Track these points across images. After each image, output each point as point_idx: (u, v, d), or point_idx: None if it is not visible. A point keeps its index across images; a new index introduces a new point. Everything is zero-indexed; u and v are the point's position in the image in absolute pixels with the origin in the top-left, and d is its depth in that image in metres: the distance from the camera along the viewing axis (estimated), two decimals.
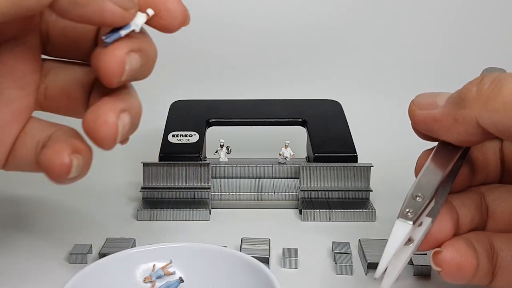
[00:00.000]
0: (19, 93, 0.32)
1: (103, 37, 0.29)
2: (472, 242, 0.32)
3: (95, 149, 0.65)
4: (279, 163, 0.53)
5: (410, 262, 0.40)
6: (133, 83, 0.75)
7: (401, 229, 0.29)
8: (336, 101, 0.59)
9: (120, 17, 0.29)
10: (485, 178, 0.35)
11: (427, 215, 0.31)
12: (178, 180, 0.50)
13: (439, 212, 0.32)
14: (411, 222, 0.29)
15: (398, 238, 0.29)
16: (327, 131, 0.54)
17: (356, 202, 0.50)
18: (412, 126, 0.33)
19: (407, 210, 0.30)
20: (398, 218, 0.30)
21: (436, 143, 0.33)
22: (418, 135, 0.34)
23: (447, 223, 0.32)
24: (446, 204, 0.32)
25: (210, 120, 0.55)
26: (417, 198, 0.30)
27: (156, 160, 0.51)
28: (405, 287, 0.38)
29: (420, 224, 0.31)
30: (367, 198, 0.50)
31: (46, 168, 0.30)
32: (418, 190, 0.31)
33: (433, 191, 0.31)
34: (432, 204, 0.31)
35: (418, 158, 0.34)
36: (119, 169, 0.61)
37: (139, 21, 0.30)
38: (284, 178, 0.53)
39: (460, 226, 0.33)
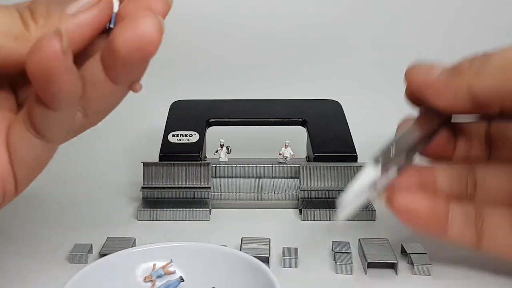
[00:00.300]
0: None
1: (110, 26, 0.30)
2: (436, 192, 0.34)
3: (95, 150, 0.65)
4: (279, 163, 0.53)
5: (410, 262, 0.40)
6: None
7: (370, 173, 0.32)
8: (336, 101, 0.59)
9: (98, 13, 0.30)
10: (468, 151, 0.37)
11: (396, 168, 0.34)
12: (178, 180, 0.50)
13: (406, 167, 0.34)
14: (380, 168, 0.32)
15: (366, 180, 0.32)
16: (327, 131, 0.54)
17: None
18: (406, 90, 0.36)
19: (380, 158, 0.32)
20: (369, 162, 0.32)
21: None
22: (408, 100, 0.36)
23: (412, 178, 0.34)
24: (422, 166, 0.35)
25: (210, 120, 0.55)
26: (392, 150, 0.33)
27: (156, 160, 0.51)
28: (405, 287, 0.39)
29: (387, 174, 0.33)
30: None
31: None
32: (394, 144, 0.33)
33: (407, 146, 0.33)
34: (403, 159, 0.34)
35: (400, 121, 0.37)
36: (119, 169, 0.61)
37: None
38: (284, 178, 0.53)
39: (437, 190, 0.35)
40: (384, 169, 0.32)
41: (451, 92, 0.32)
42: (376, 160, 0.32)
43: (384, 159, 0.32)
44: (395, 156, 0.33)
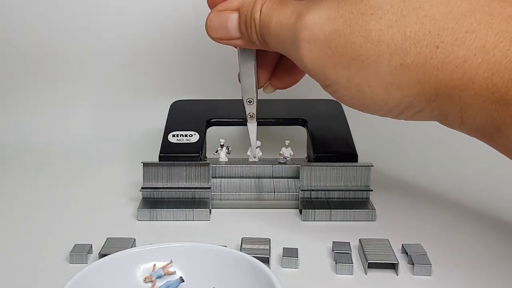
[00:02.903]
0: None
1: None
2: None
3: (95, 150, 0.65)
4: (279, 163, 0.53)
5: (411, 262, 0.40)
6: (134, 83, 0.75)
7: (253, 127, 0.49)
8: (336, 101, 0.59)
9: None
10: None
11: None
12: (178, 180, 0.50)
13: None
14: (255, 121, 0.48)
15: (254, 133, 0.50)
16: (327, 131, 0.54)
17: (356, 202, 0.50)
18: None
19: (249, 113, 0.48)
20: (248, 122, 0.48)
21: None
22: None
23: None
24: None
25: (210, 120, 0.55)
26: (250, 102, 0.47)
27: (156, 160, 0.51)
28: (405, 286, 0.38)
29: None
30: (367, 198, 0.50)
31: None
32: (246, 95, 0.46)
33: (255, 92, 0.46)
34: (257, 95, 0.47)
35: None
36: (119, 169, 0.61)
37: None
38: (284, 178, 0.52)
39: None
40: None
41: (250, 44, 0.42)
42: (251, 118, 0.48)
43: (254, 113, 0.48)
44: (255, 105, 0.47)
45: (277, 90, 0.47)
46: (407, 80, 0.35)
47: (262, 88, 0.47)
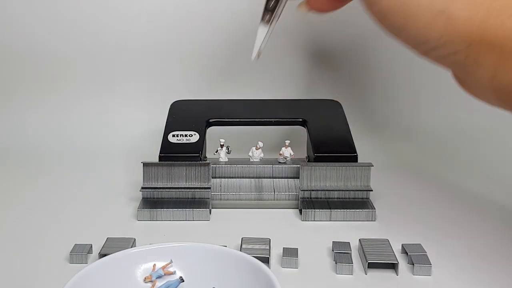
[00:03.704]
0: None
1: None
2: None
3: (95, 150, 0.65)
4: (279, 163, 0.53)
5: (411, 262, 0.40)
6: (134, 83, 0.75)
7: (263, 32, 0.43)
8: (336, 101, 0.59)
9: None
10: None
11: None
12: (178, 180, 0.50)
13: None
14: (268, 27, 0.43)
15: (261, 38, 0.43)
16: (327, 131, 0.54)
17: (356, 202, 0.50)
18: None
19: (268, 14, 0.43)
20: (260, 23, 0.43)
21: None
22: None
23: None
24: None
25: (210, 120, 0.55)
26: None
27: (156, 160, 0.51)
28: (405, 287, 0.38)
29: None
30: (367, 198, 0.50)
31: None
32: None
33: None
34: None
35: None
36: (119, 169, 0.61)
37: None
38: (284, 178, 0.52)
39: None
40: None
41: None
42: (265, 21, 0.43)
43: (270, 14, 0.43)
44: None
45: (310, 13, 0.44)
46: (459, 13, 0.33)
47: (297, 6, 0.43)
